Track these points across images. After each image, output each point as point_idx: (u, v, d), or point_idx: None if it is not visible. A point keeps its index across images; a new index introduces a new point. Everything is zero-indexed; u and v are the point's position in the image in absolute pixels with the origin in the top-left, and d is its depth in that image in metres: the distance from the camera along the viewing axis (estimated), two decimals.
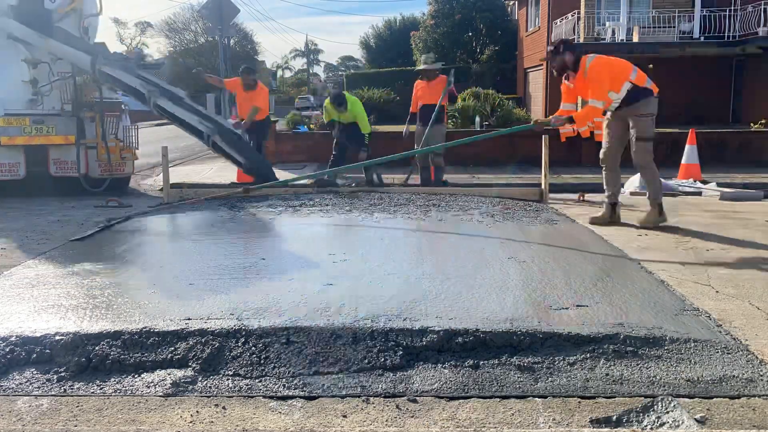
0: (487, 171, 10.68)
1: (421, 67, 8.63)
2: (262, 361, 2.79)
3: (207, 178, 10.66)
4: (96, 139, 8.23)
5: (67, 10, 8.36)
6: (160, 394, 2.58)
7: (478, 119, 13.61)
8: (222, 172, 11.11)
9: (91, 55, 8.03)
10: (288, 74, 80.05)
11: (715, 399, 2.49)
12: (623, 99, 5.66)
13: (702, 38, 19.44)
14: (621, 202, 6.08)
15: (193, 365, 2.77)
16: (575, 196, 7.61)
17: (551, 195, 7.61)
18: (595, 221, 5.85)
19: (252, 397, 2.55)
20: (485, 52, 31.66)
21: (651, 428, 2.32)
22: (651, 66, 20.88)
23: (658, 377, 2.65)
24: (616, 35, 19.79)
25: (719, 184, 8.70)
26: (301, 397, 2.54)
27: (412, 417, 2.39)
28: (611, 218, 5.85)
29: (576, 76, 5.79)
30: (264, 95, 9.40)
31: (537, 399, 2.51)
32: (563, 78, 6.02)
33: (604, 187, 6.05)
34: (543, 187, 7.51)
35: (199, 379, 2.69)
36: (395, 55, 39.10)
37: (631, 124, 5.75)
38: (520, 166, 11.21)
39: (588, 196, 7.50)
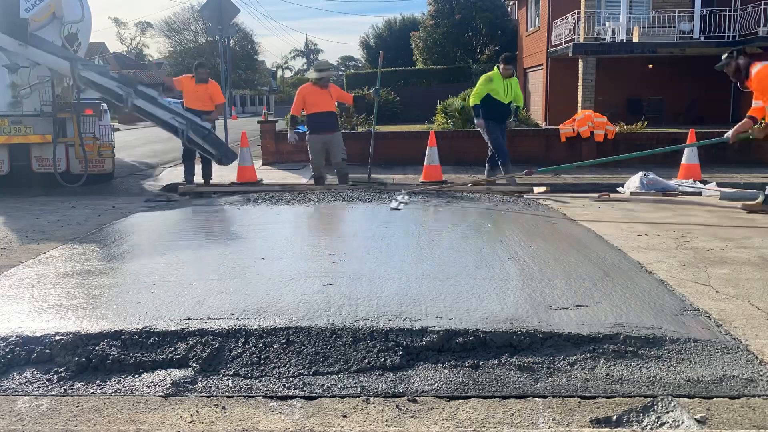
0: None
1: (314, 76, 8.59)
2: (262, 361, 2.79)
3: None
4: (74, 137, 8.83)
5: (46, 17, 8.72)
6: (160, 394, 2.58)
7: None
8: (222, 171, 11.10)
9: (69, 60, 8.57)
10: (288, 74, 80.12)
11: (715, 399, 2.49)
12: None
13: (702, 38, 19.44)
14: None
15: (193, 365, 2.77)
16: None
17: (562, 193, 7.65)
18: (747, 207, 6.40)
19: (252, 397, 2.55)
20: (485, 52, 31.66)
21: (651, 428, 2.32)
22: (651, 66, 20.92)
23: (658, 377, 2.65)
24: (616, 35, 19.80)
25: (719, 184, 8.70)
26: (301, 397, 2.54)
27: (412, 417, 2.38)
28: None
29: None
30: (218, 90, 9.86)
31: (537, 399, 2.51)
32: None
33: None
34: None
35: (199, 379, 2.69)
36: (395, 55, 39.06)
37: None
38: (520, 165, 11.22)
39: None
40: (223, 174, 10.52)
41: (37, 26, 8.65)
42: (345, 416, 2.39)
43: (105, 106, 9.75)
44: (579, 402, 2.48)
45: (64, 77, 9.03)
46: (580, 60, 19.40)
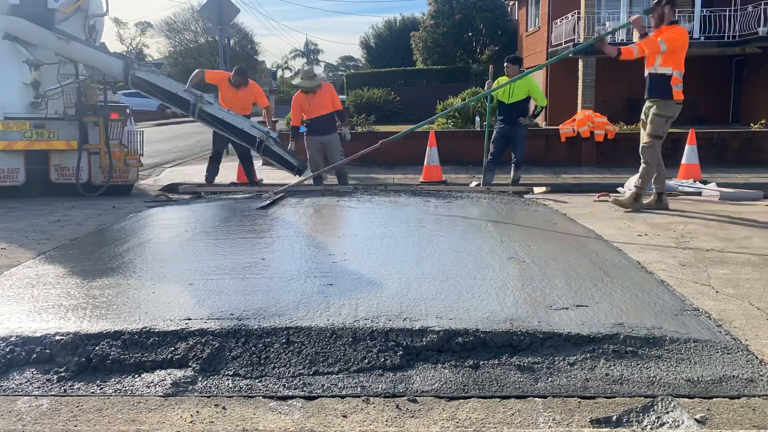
0: None
1: (299, 82, 8.63)
2: (262, 361, 2.79)
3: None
4: (99, 144, 7.93)
5: (72, 10, 7.97)
6: (160, 394, 2.58)
7: (478, 119, 13.63)
8: (222, 171, 11.10)
9: (122, 60, 7.88)
10: (288, 74, 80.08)
11: (715, 399, 2.49)
12: (652, 87, 6.43)
13: (702, 38, 19.44)
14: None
15: (193, 365, 2.77)
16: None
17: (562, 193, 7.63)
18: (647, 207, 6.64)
19: (252, 397, 2.55)
20: (485, 52, 31.68)
21: (651, 428, 2.32)
22: None
23: (658, 377, 2.65)
24: (616, 35, 19.80)
25: (719, 184, 8.70)
26: (301, 397, 2.54)
27: (412, 417, 2.38)
28: (657, 205, 6.65)
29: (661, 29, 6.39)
30: (261, 92, 9.40)
31: (537, 399, 2.51)
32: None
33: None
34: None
35: (199, 379, 2.69)
36: (395, 55, 39.09)
37: (648, 120, 6.49)
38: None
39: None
40: (223, 174, 10.52)
41: (62, 18, 7.82)
42: (345, 416, 2.39)
43: (129, 109, 8.78)
44: (579, 402, 2.48)
45: (102, 77, 8.09)
46: (580, 60, 19.41)
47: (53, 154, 7.84)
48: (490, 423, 2.33)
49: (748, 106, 19.55)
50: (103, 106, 7.95)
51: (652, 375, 2.67)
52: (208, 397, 2.56)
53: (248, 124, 8.20)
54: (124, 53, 9.63)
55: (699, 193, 8.15)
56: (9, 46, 7.64)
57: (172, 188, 9.13)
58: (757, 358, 2.79)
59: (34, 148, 7.72)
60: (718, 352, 2.84)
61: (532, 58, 25.13)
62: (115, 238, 5.43)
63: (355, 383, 2.64)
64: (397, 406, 2.45)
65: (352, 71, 47.96)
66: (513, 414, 2.40)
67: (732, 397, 2.50)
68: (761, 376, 2.64)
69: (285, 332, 2.96)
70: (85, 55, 7.73)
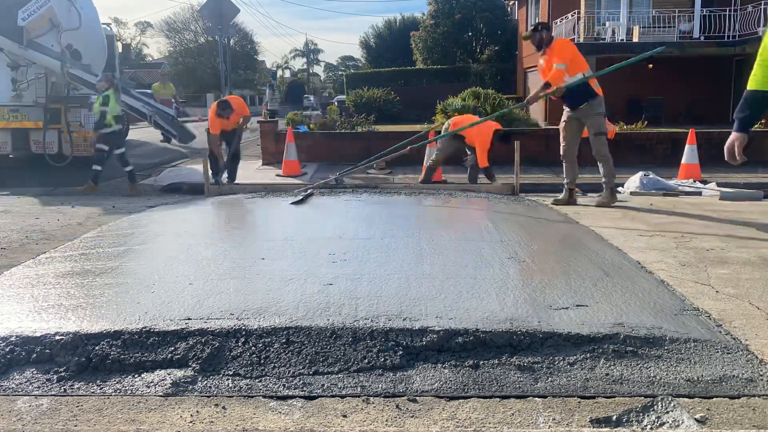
0: None
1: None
2: (262, 361, 2.79)
3: None
4: (62, 124, 10.82)
5: (43, 25, 10.76)
6: (160, 394, 2.58)
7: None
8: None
9: (59, 60, 10.95)
10: (288, 74, 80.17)
11: (715, 399, 2.49)
12: (576, 97, 6.84)
13: (702, 38, 19.45)
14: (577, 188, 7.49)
15: (193, 365, 2.77)
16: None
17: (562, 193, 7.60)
18: (557, 203, 7.20)
19: (252, 397, 2.55)
20: (485, 52, 31.68)
21: (651, 428, 2.32)
22: (650, 66, 20.93)
23: (658, 377, 2.65)
24: (616, 35, 19.82)
25: (719, 184, 8.70)
26: (301, 397, 2.54)
27: (412, 417, 2.38)
28: (569, 201, 7.21)
29: (546, 52, 6.97)
30: (243, 105, 10.02)
31: (537, 399, 2.51)
32: (540, 56, 7.20)
33: (565, 176, 7.38)
34: (515, 183, 8.18)
35: (199, 379, 2.68)
36: (395, 55, 39.10)
37: (588, 123, 7.01)
38: (520, 166, 11.20)
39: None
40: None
41: (36, 34, 10.70)
42: (345, 416, 2.39)
43: (93, 99, 11.16)
44: (579, 402, 2.48)
45: (55, 73, 11.02)
46: None
47: (32, 132, 10.86)
48: (490, 423, 2.33)
49: None
50: (67, 96, 11.10)
51: (652, 375, 2.67)
52: (208, 396, 2.55)
53: (140, 104, 11.92)
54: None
55: (699, 193, 8.16)
56: None
57: (173, 188, 9.23)
58: (757, 357, 2.79)
59: (11, 127, 10.84)
60: (718, 352, 2.84)
61: (532, 57, 25.14)
62: (115, 238, 5.43)
63: (355, 383, 2.63)
64: (397, 406, 2.45)
65: (352, 71, 47.97)
66: (513, 414, 2.40)
67: (732, 397, 2.50)
68: (761, 376, 2.64)
69: (285, 332, 2.96)
70: (36, 57, 10.86)
